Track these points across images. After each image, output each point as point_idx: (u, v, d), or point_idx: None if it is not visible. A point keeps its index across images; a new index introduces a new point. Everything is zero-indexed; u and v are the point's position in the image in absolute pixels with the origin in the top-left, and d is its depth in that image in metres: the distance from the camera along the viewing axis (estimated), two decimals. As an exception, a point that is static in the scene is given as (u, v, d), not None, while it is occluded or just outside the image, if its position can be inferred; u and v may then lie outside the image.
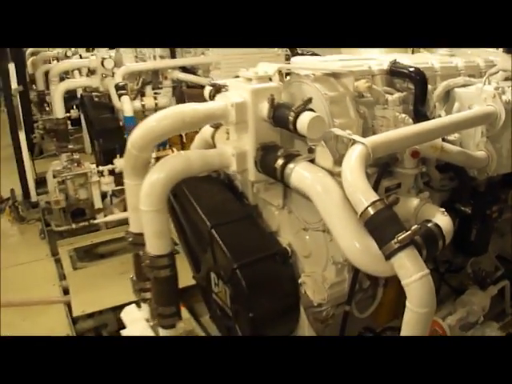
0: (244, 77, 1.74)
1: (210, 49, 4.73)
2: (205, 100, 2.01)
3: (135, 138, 1.67)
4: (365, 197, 1.38)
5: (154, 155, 4.40)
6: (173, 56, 4.76)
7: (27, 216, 5.38)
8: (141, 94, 4.57)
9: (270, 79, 1.77)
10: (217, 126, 1.94)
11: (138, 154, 1.70)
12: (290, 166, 1.60)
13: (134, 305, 2.35)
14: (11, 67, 4.80)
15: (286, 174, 1.60)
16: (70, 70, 5.19)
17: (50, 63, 8.05)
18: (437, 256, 2.08)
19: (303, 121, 1.51)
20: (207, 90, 1.95)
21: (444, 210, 1.71)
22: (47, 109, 8.15)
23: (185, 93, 3.60)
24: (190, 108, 1.67)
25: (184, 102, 3.55)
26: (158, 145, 4.66)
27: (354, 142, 1.50)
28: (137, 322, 2.23)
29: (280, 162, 1.62)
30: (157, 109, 4.53)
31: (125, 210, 4.63)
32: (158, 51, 4.73)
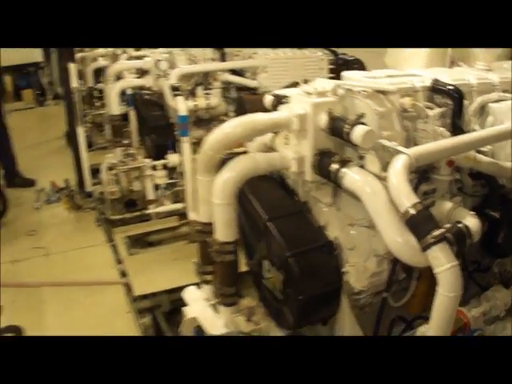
0: (305, 91, 2.03)
1: (258, 52, 5.04)
2: (263, 106, 2.32)
3: (212, 140, 1.98)
4: (407, 199, 1.67)
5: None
6: (222, 59, 5.06)
7: (83, 205, 5.79)
8: (192, 94, 4.87)
9: (326, 93, 2.06)
10: (275, 131, 2.24)
11: (212, 155, 2.01)
12: (344, 170, 1.89)
13: (194, 286, 2.65)
14: (72, 66, 5.19)
15: (340, 177, 1.89)
16: (126, 70, 5.53)
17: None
18: (466, 256, 2.37)
19: (357, 133, 1.80)
20: (268, 100, 2.26)
21: (474, 213, 1.98)
22: (96, 104, 8.57)
23: (245, 99, 3.88)
24: (260, 118, 1.98)
25: (244, 107, 3.89)
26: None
27: (399, 152, 1.80)
28: (197, 301, 2.54)
29: (335, 166, 1.91)
30: (208, 108, 4.87)
31: (175, 202, 4.98)
32: (209, 54, 5.05)
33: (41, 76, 13.98)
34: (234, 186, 1.98)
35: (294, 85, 2.26)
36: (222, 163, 2.06)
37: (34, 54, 13.33)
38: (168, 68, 4.82)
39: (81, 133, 5.36)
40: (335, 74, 5.33)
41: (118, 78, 5.39)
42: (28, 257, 4.92)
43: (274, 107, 2.19)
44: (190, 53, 5.02)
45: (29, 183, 6.89)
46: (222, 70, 4.90)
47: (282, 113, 2.02)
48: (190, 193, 4.65)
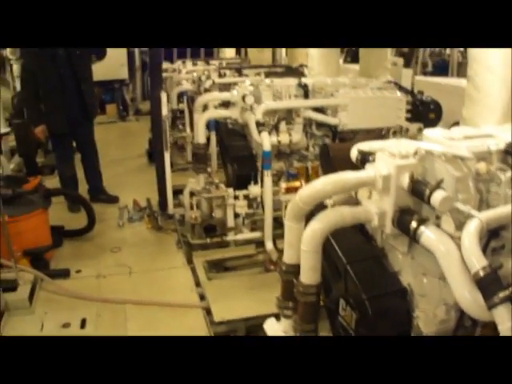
0: (390, 152, 2.29)
1: (339, 91, 5.31)
2: (347, 155, 2.61)
3: (304, 194, 2.27)
4: (477, 261, 1.89)
5: (283, 185, 5.05)
6: (305, 96, 5.36)
7: (164, 226, 6.18)
8: (275, 128, 5.19)
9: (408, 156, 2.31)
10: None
11: (302, 207, 2.30)
12: (422, 228, 2.13)
13: (273, 318, 2.93)
14: (163, 96, 5.61)
15: (418, 234, 2.13)
16: (213, 101, 5.91)
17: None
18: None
19: (436, 198, 2.05)
20: (354, 154, 2.54)
21: (541, 273, 2.18)
22: (180, 127, 9.08)
23: (329, 147, 4.15)
24: (349, 177, 2.25)
25: (328, 156, 4.16)
26: (288, 175, 5.30)
27: (472, 216, 2.03)
28: (277, 333, 2.81)
29: (414, 224, 2.15)
30: (290, 145, 5.18)
31: (252, 230, 5.31)
32: (293, 90, 5.35)
33: (124, 92, 14.70)
34: (321, 237, 2.26)
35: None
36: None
37: (120, 71, 14.03)
38: (254, 102, 5.16)
39: (167, 158, 5.75)
40: (413, 114, 5.57)
41: (205, 107, 5.80)
42: (112, 273, 5.25)
43: (360, 163, 2.47)
44: (275, 88, 5.34)
45: (112, 200, 7.31)
46: (304, 107, 5.18)
47: (368, 172, 2.28)
48: (269, 223, 4.96)
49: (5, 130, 9.10)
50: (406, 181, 2.20)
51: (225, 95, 5.58)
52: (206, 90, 7.76)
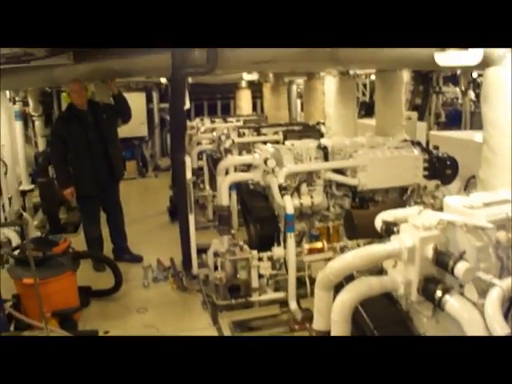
0: (413, 224, 2.44)
1: (358, 152, 5.49)
2: (370, 221, 2.76)
3: (334, 267, 2.42)
4: (500, 327, 2.02)
5: (306, 247, 5.19)
6: (325, 157, 5.54)
7: (188, 286, 6.30)
8: (297, 190, 5.36)
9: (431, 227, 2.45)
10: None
11: (332, 279, 2.45)
12: (446, 297, 2.26)
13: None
14: (188, 160, 5.83)
15: (443, 302, 2.27)
16: (234, 165, 6.12)
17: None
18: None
19: (460, 269, 2.18)
20: (379, 224, 2.70)
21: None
22: (201, 186, 9.29)
23: (353, 214, 4.30)
24: (376, 250, 2.40)
25: (352, 222, 4.31)
26: (310, 236, 5.45)
27: (494, 284, 2.17)
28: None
29: (439, 293, 2.29)
30: (312, 206, 5.34)
31: (275, 290, 5.43)
32: (313, 153, 5.55)
33: (144, 149, 15.04)
34: (351, 307, 2.39)
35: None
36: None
37: (140, 129, 14.39)
38: (275, 165, 5.34)
39: (192, 220, 5.93)
40: (430, 171, 5.72)
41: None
42: (139, 334, 5.25)
43: (385, 233, 2.62)
44: (296, 151, 5.54)
45: (137, 259, 7.44)
46: (325, 169, 5.36)
47: (394, 245, 2.43)
48: (292, 283, 5.08)
49: (29, 187, 9.40)
50: (430, 252, 2.34)
51: (247, 159, 5.79)
52: (227, 150, 8.02)
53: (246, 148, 8.00)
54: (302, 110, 13.72)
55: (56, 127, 7.49)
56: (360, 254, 2.40)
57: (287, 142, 5.91)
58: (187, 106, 5.29)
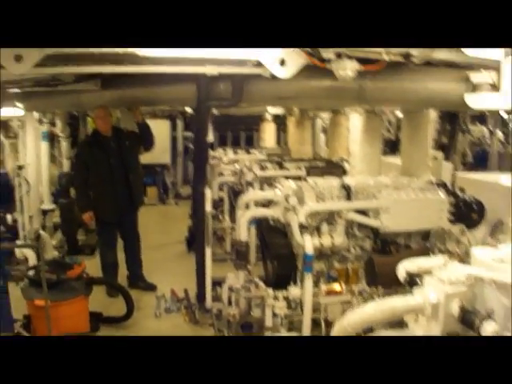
0: (439, 278, 2.31)
1: (382, 193, 5.37)
2: (392, 270, 2.64)
3: (353, 320, 2.31)
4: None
5: (324, 288, 5.05)
6: (348, 197, 5.43)
7: (201, 320, 6.18)
8: (317, 229, 5.24)
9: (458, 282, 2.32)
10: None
11: (350, 332, 2.33)
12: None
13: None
14: (208, 192, 5.76)
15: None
16: (255, 200, 6.04)
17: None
18: None
19: (486, 330, 2.06)
20: (402, 274, 2.57)
21: None
22: (220, 217, 9.21)
23: (376, 263, 4.18)
24: (397, 304, 2.28)
25: (374, 270, 4.18)
26: (328, 277, 5.31)
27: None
28: None
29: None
30: (332, 248, 5.21)
31: (289, 329, 5.26)
32: (336, 192, 5.43)
33: (166, 176, 15.08)
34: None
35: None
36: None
37: (163, 156, 14.44)
38: (297, 203, 5.23)
39: (208, 254, 5.83)
40: (455, 215, 5.57)
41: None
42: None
43: (408, 284, 2.50)
44: (318, 189, 5.43)
45: (151, 288, 7.38)
46: (347, 209, 5.24)
47: (417, 299, 2.30)
48: (307, 325, 4.93)
49: (50, 206, 9.43)
50: (455, 309, 2.21)
51: (268, 194, 5.69)
52: (248, 183, 7.95)
53: (268, 182, 7.90)
54: (326, 145, 13.64)
55: (80, 151, 7.58)
56: (381, 307, 2.28)
57: (310, 179, 5.80)
58: (210, 138, 5.23)
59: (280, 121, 14.16)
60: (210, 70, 4.57)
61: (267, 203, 6.08)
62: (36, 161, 8.86)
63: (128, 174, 7.15)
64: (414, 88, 5.17)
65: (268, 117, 13.70)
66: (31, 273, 5.62)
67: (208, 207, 5.75)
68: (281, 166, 8.72)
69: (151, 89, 5.96)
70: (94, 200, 7.19)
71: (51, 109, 8.54)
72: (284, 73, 3.92)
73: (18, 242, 7.74)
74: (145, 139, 7.45)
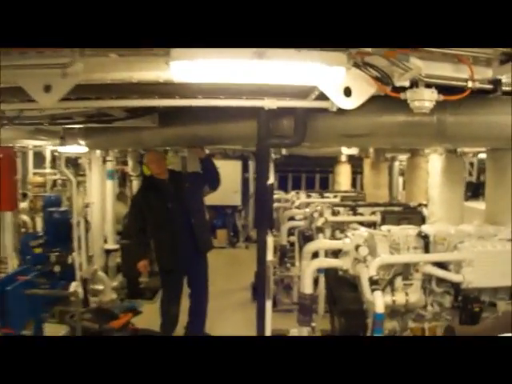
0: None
1: (464, 243, 4.76)
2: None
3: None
4: None
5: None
6: (426, 248, 4.84)
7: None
8: (390, 283, 4.67)
9: None
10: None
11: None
12: None
13: None
14: (270, 240, 5.29)
15: None
16: (322, 249, 5.58)
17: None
18: None
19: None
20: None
21: None
22: (288, 264, 8.73)
23: (456, 334, 3.63)
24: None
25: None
26: (402, 340, 4.71)
27: None
28: None
29: None
30: (407, 306, 4.62)
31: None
32: (412, 242, 4.86)
33: (236, 218, 14.80)
34: None
35: None
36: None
37: (234, 198, 14.21)
38: (368, 254, 4.69)
39: (269, 307, 5.34)
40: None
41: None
42: None
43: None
44: (393, 238, 4.87)
45: (208, 340, 6.92)
46: (424, 262, 4.66)
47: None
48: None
49: (113, 246, 9.31)
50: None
51: (336, 244, 5.18)
52: (318, 229, 7.44)
53: (341, 227, 7.41)
54: (403, 188, 13.00)
55: (135, 198, 7.37)
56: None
57: (384, 227, 5.25)
58: (271, 180, 4.77)
59: (356, 162, 13.62)
60: (269, 104, 4.16)
61: (337, 251, 5.56)
62: (100, 199, 8.93)
63: (190, 217, 6.73)
64: (502, 122, 4.57)
65: (343, 158, 13.17)
66: (72, 319, 5.34)
67: (270, 256, 5.27)
68: (354, 210, 8.15)
69: (212, 126, 5.61)
70: (155, 248, 6.94)
71: (112, 146, 8.36)
72: (350, 103, 3.51)
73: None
74: (209, 177, 7.04)
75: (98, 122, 5.75)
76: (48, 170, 13.96)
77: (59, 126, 6.29)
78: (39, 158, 14.51)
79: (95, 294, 8.05)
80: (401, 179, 13.99)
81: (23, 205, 12.96)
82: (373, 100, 3.94)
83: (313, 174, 17.14)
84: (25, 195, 13.64)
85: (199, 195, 7.08)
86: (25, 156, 14.57)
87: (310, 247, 5.32)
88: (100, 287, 8.13)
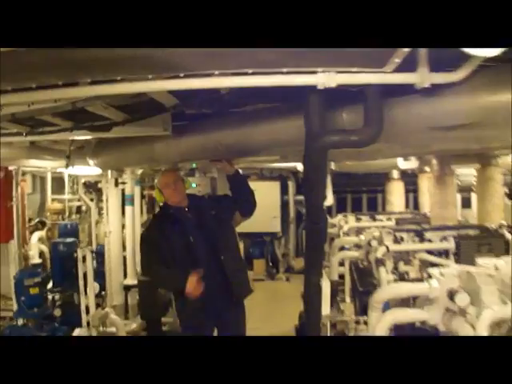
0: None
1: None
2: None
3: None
4: None
5: None
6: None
7: None
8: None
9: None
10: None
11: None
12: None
13: None
14: (325, 285, 3.92)
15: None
16: (399, 296, 4.17)
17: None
18: None
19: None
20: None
21: None
22: (341, 306, 7.32)
23: None
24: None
25: None
26: None
27: None
28: None
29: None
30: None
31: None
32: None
33: (276, 246, 13.50)
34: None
35: None
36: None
37: (272, 224, 12.96)
38: (468, 303, 3.21)
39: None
40: None
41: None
42: None
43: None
44: (501, 278, 3.39)
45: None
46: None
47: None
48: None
49: (134, 281, 8.26)
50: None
51: (420, 289, 3.67)
52: (379, 261, 5.99)
53: (405, 258, 6.05)
54: (464, 206, 11.48)
55: (147, 233, 5.47)
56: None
57: (481, 260, 3.77)
58: (329, 201, 3.34)
59: (408, 179, 12.14)
60: (325, 80, 2.74)
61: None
62: (118, 228, 8.08)
63: (219, 255, 5.06)
64: None
65: (395, 175, 11.70)
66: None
67: (325, 308, 3.86)
68: (421, 236, 6.62)
69: (241, 131, 4.25)
70: (174, 298, 5.48)
71: (123, 165, 7.02)
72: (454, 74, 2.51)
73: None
74: (241, 200, 5.30)
75: (91, 130, 4.44)
76: (67, 196, 12.93)
77: (35, 135, 4.90)
78: (59, 182, 13.64)
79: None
80: (459, 196, 12.38)
81: (40, 234, 12.19)
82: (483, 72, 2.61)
83: (359, 194, 15.77)
84: (43, 223, 12.85)
85: (229, 224, 5.37)
86: (43, 181, 13.83)
87: (381, 296, 3.84)
88: (113, 330, 6.82)
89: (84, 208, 13.34)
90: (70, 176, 11.96)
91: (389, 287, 4.35)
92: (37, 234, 12.18)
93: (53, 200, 13.41)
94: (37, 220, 13.02)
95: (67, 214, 12.87)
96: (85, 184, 11.61)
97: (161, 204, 5.44)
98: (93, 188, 12.25)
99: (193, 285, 4.72)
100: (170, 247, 5.03)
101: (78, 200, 12.96)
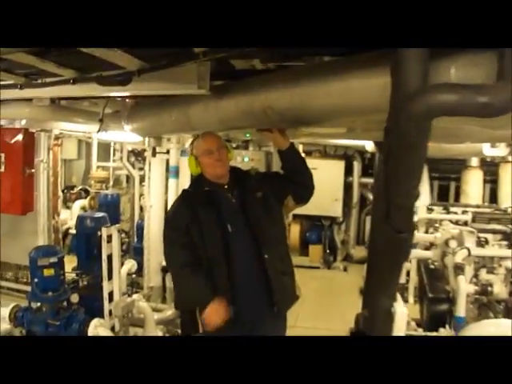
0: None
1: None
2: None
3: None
4: None
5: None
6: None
7: None
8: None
9: None
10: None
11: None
12: None
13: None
14: (399, 310, 2.96)
15: None
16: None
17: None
18: None
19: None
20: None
21: None
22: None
23: None
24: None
25: None
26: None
27: None
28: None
29: None
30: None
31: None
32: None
33: (335, 232, 12.53)
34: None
35: None
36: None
37: (333, 207, 12.00)
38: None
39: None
40: None
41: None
42: None
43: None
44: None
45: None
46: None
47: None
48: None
49: None
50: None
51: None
52: (457, 267, 4.98)
53: (488, 265, 5.15)
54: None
55: (174, 215, 4.22)
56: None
57: None
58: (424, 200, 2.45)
59: (488, 168, 10.93)
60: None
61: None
62: (161, 202, 7.55)
63: (262, 251, 3.91)
64: None
65: (474, 163, 10.52)
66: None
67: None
68: (509, 239, 5.51)
69: (298, 90, 3.21)
70: None
71: (158, 131, 6.06)
72: None
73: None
74: (294, 180, 4.11)
75: (100, 83, 3.58)
76: (112, 164, 12.31)
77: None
78: (107, 149, 13.12)
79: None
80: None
81: (83, 203, 11.66)
82: None
83: (429, 180, 14.62)
84: (86, 191, 12.35)
85: (278, 212, 4.20)
86: (89, 147, 13.28)
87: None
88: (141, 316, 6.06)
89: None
90: (114, 143, 11.37)
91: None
92: (79, 203, 11.74)
93: (98, 167, 12.90)
94: (79, 188, 12.56)
95: (111, 183, 12.32)
96: (133, 152, 10.87)
97: (194, 177, 4.38)
98: (141, 156, 11.57)
99: (212, 315, 3.72)
100: (204, 235, 3.89)
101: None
